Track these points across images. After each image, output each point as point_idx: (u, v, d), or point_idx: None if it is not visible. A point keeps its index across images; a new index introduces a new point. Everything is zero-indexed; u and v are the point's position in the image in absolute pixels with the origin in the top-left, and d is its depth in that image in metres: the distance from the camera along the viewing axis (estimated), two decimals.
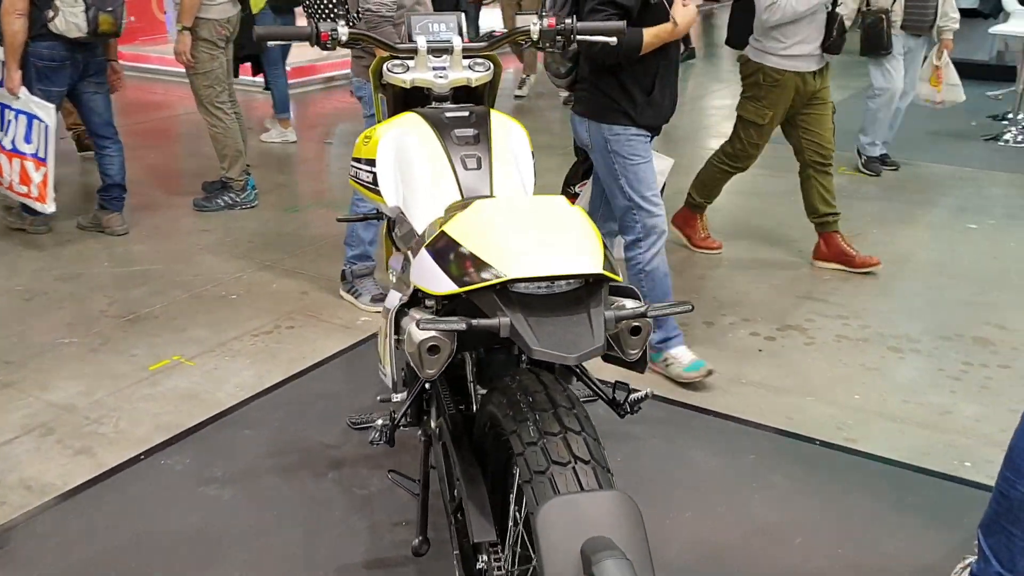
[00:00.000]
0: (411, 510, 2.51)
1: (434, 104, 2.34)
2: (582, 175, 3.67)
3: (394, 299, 1.75)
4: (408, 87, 2.37)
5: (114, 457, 2.81)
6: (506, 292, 1.41)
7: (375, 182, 2.21)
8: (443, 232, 1.56)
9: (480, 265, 1.41)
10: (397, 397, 2.21)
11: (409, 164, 2.09)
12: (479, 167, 2.03)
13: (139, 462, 2.78)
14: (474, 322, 1.37)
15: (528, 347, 1.33)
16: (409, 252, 1.92)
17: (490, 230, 1.47)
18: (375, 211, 2.55)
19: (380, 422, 2.17)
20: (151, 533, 2.46)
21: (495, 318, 1.37)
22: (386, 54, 2.39)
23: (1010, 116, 7.11)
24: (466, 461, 1.72)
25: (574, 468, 1.40)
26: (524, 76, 8.68)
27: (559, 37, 2.36)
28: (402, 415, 2.11)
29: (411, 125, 2.18)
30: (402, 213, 2.14)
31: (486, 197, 1.95)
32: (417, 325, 1.50)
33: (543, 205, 1.53)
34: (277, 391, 3.20)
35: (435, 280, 1.52)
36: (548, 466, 1.41)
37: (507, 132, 2.15)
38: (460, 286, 1.43)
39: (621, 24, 2.41)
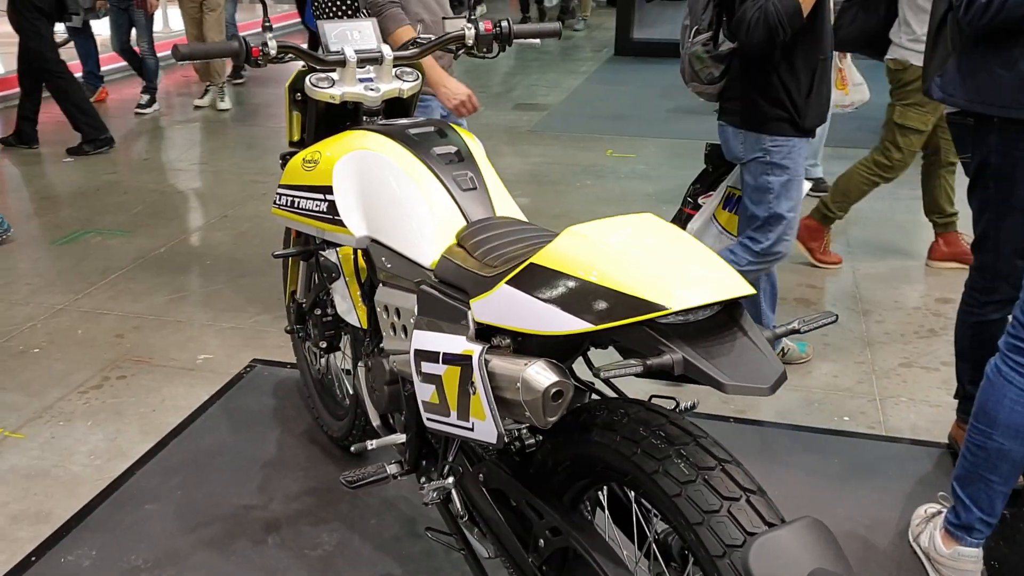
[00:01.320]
0: (383, 563, 2.32)
1: (381, 120, 2.15)
2: (708, 187, 3.42)
3: (449, 341, 1.57)
4: (336, 102, 2.15)
5: None
6: (654, 326, 1.30)
7: (331, 211, 1.99)
8: (538, 265, 1.43)
9: (621, 299, 1.30)
10: (373, 444, 2.03)
11: (387, 189, 1.90)
12: (475, 187, 1.89)
13: (31, 566, 2.34)
14: (650, 362, 1.25)
15: (719, 383, 1.24)
16: (419, 284, 1.74)
17: (614, 259, 1.36)
18: (318, 241, 2.30)
19: (391, 469, 1.98)
20: None
21: (657, 356, 1.27)
22: (304, 68, 2.17)
23: None
24: (558, 509, 1.59)
25: (748, 500, 1.34)
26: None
27: (495, 42, 2.24)
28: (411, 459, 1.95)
29: (374, 145, 1.98)
30: (376, 243, 1.94)
31: (498, 219, 1.82)
32: (537, 368, 1.38)
33: (645, 226, 1.43)
34: (159, 455, 2.82)
35: (546, 318, 1.38)
36: (720, 504, 1.33)
37: (478, 147, 2.02)
38: (599, 323, 1.31)
39: (556, 25, 2.33)
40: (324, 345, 2.59)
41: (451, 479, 1.73)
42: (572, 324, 1.35)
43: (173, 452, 2.82)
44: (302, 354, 2.94)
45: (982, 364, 2.57)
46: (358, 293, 2.29)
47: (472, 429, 1.53)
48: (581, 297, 1.35)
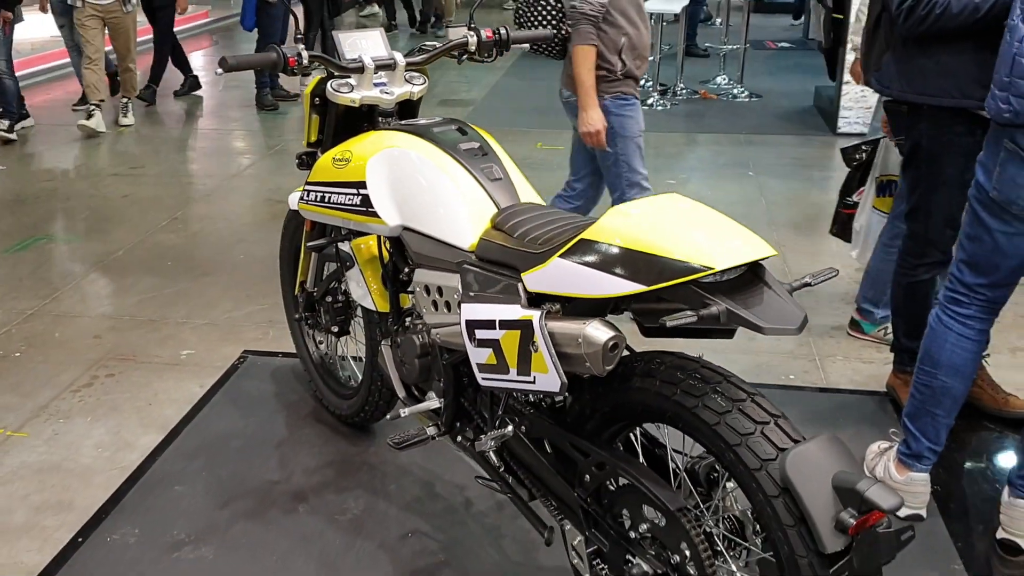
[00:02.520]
0: (411, 520, 2.56)
1: (398, 120, 2.38)
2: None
3: (505, 310, 1.82)
4: (357, 105, 2.38)
5: (32, 555, 2.49)
6: (697, 284, 1.59)
7: (365, 204, 2.22)
8: (589, 240, 1.70)
9: (670, 263, 1.58)
10: (406, 411, 2.27)
11: (421, 181, 2.14)
12: (501, 177, 2.14)
13: (79, 547, 2.50)
14: (701, 312, 1.54)
15: (758, 327, 1.54)
16: (461, 264, 1.99)
17: (659, 231, 1.63)
18: (344, 232, 2.51)
19: (430, 431, 2.22)
20: None
21: (705, 308, 1.55)
22: (322, 75, 2.39)
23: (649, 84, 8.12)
24: (602, 447, 1.86)
25: (776, 423, 1.64)
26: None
27: (495, 48, 2.50)
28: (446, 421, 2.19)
29: (405, 143, 2.22)
30: (410, 231, 2.18)
31: (526, 205, 2.08)
32: (597, 324, 1.66)
33: (678, 203, 1.72)
34: (174, 443, 2.99)
35: (601, 284, 1.66)
36: (755, 427, 1.63)
37: (496, 142, 2.27)
38: (652, 284, 1.59)
39: (549, 32, 2.60)
40: (336, 330, 2.80)
41: (510, 427, 1.99)
42: (626, 286, 1.63)
43: (188, 439, 2.99)
44: (302, 341, 3.14)
45: (915, 319, 2.96)
46: (378, 279, 2.52)
47: (534, 382, 1.79)
48: (633, 263, 1.63)
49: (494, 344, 1.86)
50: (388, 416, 2.34)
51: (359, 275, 2.59)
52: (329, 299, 2.79)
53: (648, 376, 1.78)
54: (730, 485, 1.87)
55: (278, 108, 7.86)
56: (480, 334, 1.90)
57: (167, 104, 8.20)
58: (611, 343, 1.68)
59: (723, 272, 1.59)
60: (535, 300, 1.83)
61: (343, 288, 2.80)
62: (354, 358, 3.08)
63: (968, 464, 2.88)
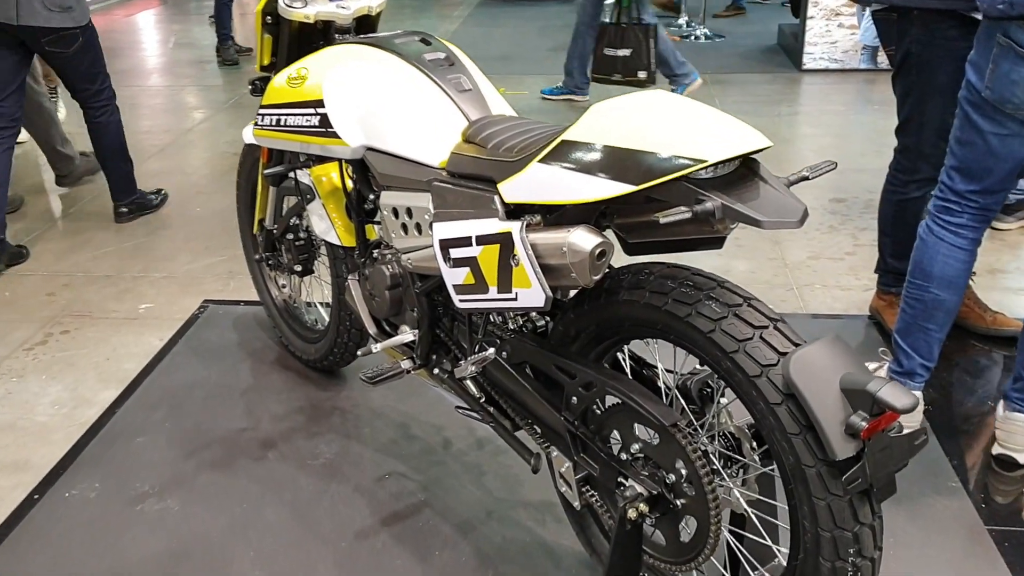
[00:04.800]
0: (387, 462, 2.44)
1: (355, 36, 2.23)
2: None
3: (481, 224, 1.70)
4: (311, 22, 2.23)
5: None
6: (689, 180, 1.47)
7: (324, 124, 2.08)
8: (570, 141, 1.57)
9: (660, 159, 1.46)
10: (377, 347, 2.14)
11: (386, 96, 2.00)
12: (471, 88, 2.01)
13: (35, 504, 2.36)
14: (696, 208, 1.42)
15: (757, 221, 1.42)
16: (431, 182, 1.86)
17: (646, 126, 1.51)
18: (301, 159, 2.36)
19: (404, 364, 2.10)
20: (117, 570, 2.14)
21: (700, 204, 1.43)
22: None
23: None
24: (589, 366, 1.75)
25: (776, 327, 1.53)
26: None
27: None
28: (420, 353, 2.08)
29: (365, 56, 2.07)
30: (374, 151, 2.04)
31: (498, 116, 1.95)
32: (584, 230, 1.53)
33: (663, 98, 1.59)
34: (135, 394, 2.84)
35: (586, 187, 1.53)
36: (753, 332, 1.52)
37: (461, 52, 2.13)
38: (642, 182, 1.47)
39: None
40: (299, 269, 2.66)
41: (491, 350, 1.87)
42: (614, 188, 1.50)
43: (148, 390, 2.85)
44: (264, 285, 2.99)
45: (904, 239, 2.87)
46: (342, 210, 2.38)
47: (516, 299, 1.67)
48: (619, 162, 1.50)
49: (471, 262, 1.74)
50: (359, 352, 2.21)
51: (321, 208, 2.45)
52: (290, 236, 2.64)
53: (636, 288, 1.66)
54: (724, 400, 1.77)
55: (238, 64, 7.62)
56: (455, 253, 1.77)
57: (117, 62, 7.93)
58: (598, 250, 1.57)
59: (716, 167, 1.47)
60: (514, 212, 1.71)
61: (305, 224, 2.66)
62: (320, 303, 2.95)
63: (958, 382, 2.81)
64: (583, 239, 1.57)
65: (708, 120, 1.53)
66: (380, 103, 2.01)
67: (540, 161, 1.61)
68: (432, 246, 1.87)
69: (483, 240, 1.70)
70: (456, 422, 2.58)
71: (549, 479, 1.97)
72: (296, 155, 2.37)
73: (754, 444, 1.71)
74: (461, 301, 1.81)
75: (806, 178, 1.58)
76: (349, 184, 2.29)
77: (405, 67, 2.02)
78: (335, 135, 2.07)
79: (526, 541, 2.16)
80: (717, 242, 1.72)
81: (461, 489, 2.34)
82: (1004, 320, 3.00)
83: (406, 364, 2.15)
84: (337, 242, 2.43)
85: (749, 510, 1.74)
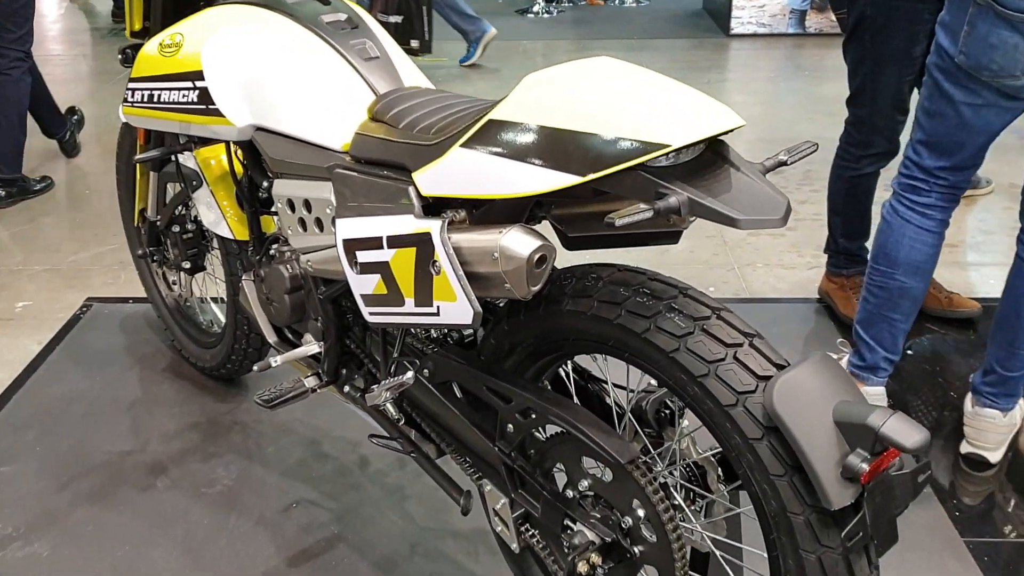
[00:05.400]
0: (295, 488, 2.14)
1: None
2: None
3: (393, 222, 1.40)
4: None
5: None
6: (647, 170, 1.19)
7: (204, 100, 1.75)
8: (499, 121, 1.28)
9: (611, 144, 1.18)
10: (278, 360, 1.85)
11: (277, 66, 1.68)
12: (377, 56, 1.70)
13: None
14: (659, 205, 1.14)
15: (731, 219, 1.15)
16: (333, 169, 1.55)
17: (593, 103, 1.23)
18: (182, 140, 2.02)
19: (309, 382, 1.81)
20: None
21: (661, 199, 1.16)
22: None
23: None
24: (527, 389, 1.47)
25: (752, 345, 1.27)
26: None
27: None
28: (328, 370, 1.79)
29: (251, 18, 1.74)
30: (265, 131, 1.72)
31: (412, 89, 1.64)
32: (526, 232, 1.26)
33: (610, 67, 1.31)
34: (2, 412, 2.47)
35: (520, 178, 1.24)
36: (725, 352, 1.26)
37: (365, 14, 1.82)
38: (589, 172, 1.18)
39: None
40: (188, 266, 2.33)
41: (409, 373, 1.57)
42: (555, 179, 1.21)
43: (19, 406, 2.48)
44: (152, 282, 2.64)
45: (856, 218, 2.66)
46: (232, 199, 2.06)
47: (437, 314, 1.38)
48: (560, 148, 1.22)
49: (382, 268, 1.44)
50: (256, 367, 1.90)
51: (210, 196, 2.12)
52: (176, 229, 2.30)
53: (582, 296, 1.38)
54: (685, 423, 1.52)
55: None
56: (363, 257, 1.47)
57: None
58: (537, 256, 1.28)
59: (679, 152, 1.20)
60: (433, 207, 1.41)
61: (192, 214, 2.32)
62: (215, 299, 2.61)
63: (917, 371, 2.61)
64: (519, 242, 1.28)
65: (668, 94, 1.25)
66: (270, 74, 1.69)
67: (463, 146, 1.32)
68: (335, 245, 1.57)
69: (396, 242, 1.40)
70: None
71: (478, 502, 1.70)
72: (176, 136, 2.03)
73: (721, 474, 1.46)
74: (372, 314, 1.51)
75: (784, 163, 1.32)
76: (239, 169, 1.96)
77: (300, 31, 1.70)
78: (218, 113, 1.75)
79: None
80: (673, 236, 1.46)
81: (380, 518, 2.05)
82: (961, 301, 2.82)
83: (311, 382, 1.85)
84: (229, 235, 2.10)
85: (715, 551, 1.49)
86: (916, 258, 2.13)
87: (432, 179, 1.37)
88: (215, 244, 2.31)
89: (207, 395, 2.49)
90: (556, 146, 1.22)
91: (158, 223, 2.34)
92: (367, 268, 1.47)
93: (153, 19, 2.02)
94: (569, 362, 1.57)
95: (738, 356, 1.25)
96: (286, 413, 2.40)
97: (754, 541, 1.41)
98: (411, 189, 1.41)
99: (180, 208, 2.28)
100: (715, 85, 5.52)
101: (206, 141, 2.01)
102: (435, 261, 1.34)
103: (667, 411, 1.51)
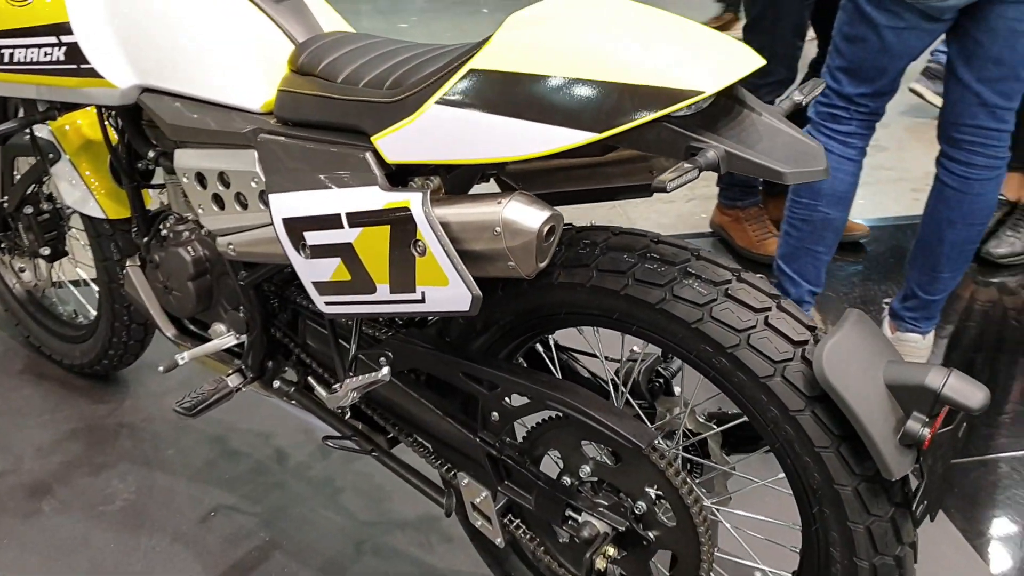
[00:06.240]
0: (209, 494, 1.90)
1: None
2: None
3: (353, 196, 1.19)
4: None
5: None
6: (670, 120, 1.04)
7: (73, 57, 1.46)
8: (484, 71, 1.09)
9: (633, 92, 1.02)
10: (185, 357, 1.62)
11: (167, 13, 1.41)
12: None
13: None
14: (700, 161, 0.99)
15: (779, 173, 1.02)
16: (257, 134, 1.32)
17: (601, 45, 1.06)
18: (40, 109, 1.70)
19: (232, 381, 1.59)
20: None
21: (698, 154, 1.01)
22: None
23: None
24: (518, 373, 1.31)
25: (780, 307, 1.16)
26: None
27: None
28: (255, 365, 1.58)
29: None
30: (154, 92, 1.46)
31: (339, 34, 1.42)
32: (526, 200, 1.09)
33: (598, 2, 1.14)
34: None
35: (520, 137, 1.07)
36: (755, 318, 1.14)
37: None
38: (608, 127, 1.02)
39: None
40: (47, 252, 2.01)
41: (386, 369, 1.37)
42: (567, 137, 1.05)
43: None
44: None
45: None
46: (100, 172, 1.77)
47: (422, 300, 1.19)
48: (569, 99, 1.05)
49: (343, 251, 1.23)
50: (161, 369, 1.64)
51: (72, 170, 1.83)
52: (29, 210, 1.97)
53: (577, 265, 1.23)
54: (678, 390, 1.40)
55: None
56: (315, 238, 1.25)
57: None
58: (547, 227, 1.11)
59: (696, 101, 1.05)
60: (395, 176, 1.21)
61: (46, 191, 2.00)
62: (74, 283, 2.28)
63: (823, 300, 2.61)
64: (525, 214, 1.11)
65: (679, 32, 1.10)
66: (159, 23, 1.42)
67: (440, 103, 1.12)
68: (266, 226, 1.34)
69: (360, 219, 1.20)
70: (288, 424, 2.06)
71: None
72: (32, 103, 1.71)
73: (722, 443, 1.37)
74: (330, 304, 1.30)
75: (800, 104, 1.20)
76: (114, 138, 1.67)
77: None
78: (92, 73, 1.46)
79: (415, 575, 1.73)
80: (644, 190, 1.32)
81: (315, 517, 1.85)
82: (852, 224, 2.85)
83: (234, 380, 1.61)
84: (100, 214, 1.82)
85: (727, 524, 1.40)
86: (839, 188, 2.10)
87: (400, 143, 1.17)
88: (73, 224, 2.01)
89: (80, 397, 2.17)
90: (562, 98, 1.05)
91: (5, 205, 2.00)
92: (321, 251, 1.25)
93: None
94: (550, 337, 1.42)
95: (770, 321, 1.14)
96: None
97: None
98: (369, 156, 1.20)
99: (32, 186, 1.95)
100: None
101: (69, 107, 1.70)
102: (417, 240, 1.15)
103: (660, 380, 1.39)
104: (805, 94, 1.21)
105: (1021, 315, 2.62)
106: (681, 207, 3.24)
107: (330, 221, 1.23)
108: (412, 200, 1.14)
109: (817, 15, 2.54)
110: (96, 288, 2.15)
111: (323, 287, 1.29)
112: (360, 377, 1.36)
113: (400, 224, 1.16)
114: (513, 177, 1.37)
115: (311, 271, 1.28)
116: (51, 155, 1.83)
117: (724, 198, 2.84)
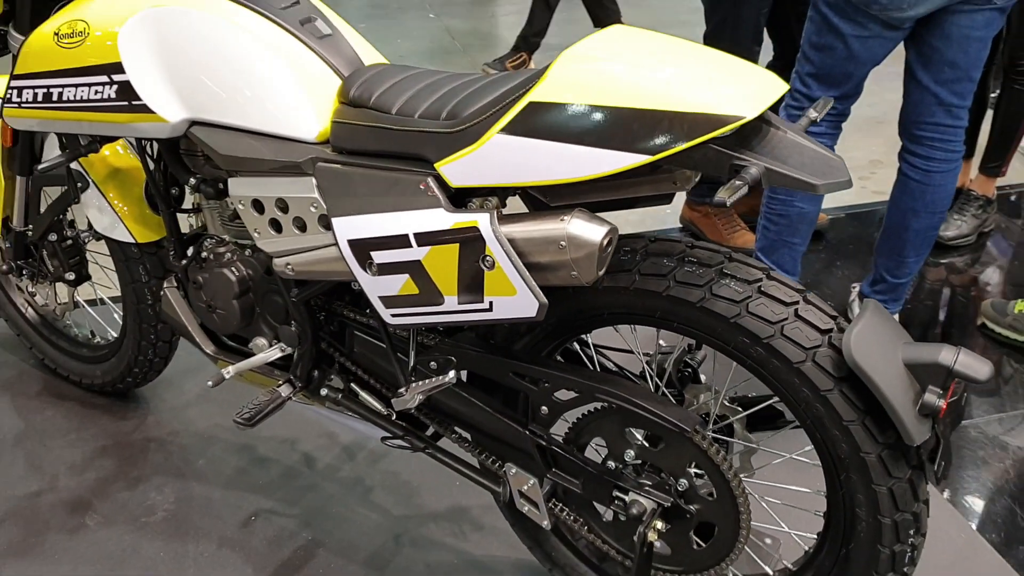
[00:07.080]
0: (246, 500, 2.00)
1: None
2: None
3: (419, 218, 1.31)
4: None
5: None
6: (714, 141, 1.19)
7: (125, 95, 1.56)
8: (543, 103, 1.23)
9: (681, 119, 1.17)
10: (231, 371, 1.72)
11: (217, 51, 1.52)
12: (330, 33, 1.57)
13: None
14: (747, 177, 1.14)
15: (812, 186, 1.17)
16: (315, 163, 1.44)
17: (647, 78, 1.20)
18: (83, 143, 1.78)
19: (284, 391, 1.70)
20: None
21: (740, 172, 1.16)
22: None
23: None
24: (569, 371, 1.46)
25: (806, 300, 1.32)
26: None
27: None
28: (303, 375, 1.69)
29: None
30: (205, 125, 1.56)
31: (384, 66, 1.54)
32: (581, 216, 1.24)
33: (640, 38, 1.28)
34: None
35: (579, 162, 1.21)
36: (787, 311, 1.30)
37: None
38: (662, 150, 1.17)
39: None
40: (72, 277, 2.08)
41: (452, 373, 1.49)
42: (622, 160, 1.19)
43: None
44: (5, 298, 2.33)
45: None
46: (127, 199, 1.88)
47: (490, 309, 1.32)
48: (624, 127, 1.19)
49: (412, 268, 1.36)
50: (210, 383, 1.74)
51: (100, 198, 1.92)
52: (54, 237, 2.04)
53: (620, 271, 1.37)
54: (703, 378, 1.56)
55: None
56: (382, 257, 1.38)
57: None
58: (606, 240, 1.26)
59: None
60: (455, 198, 1.34)
61: (68, 219, 2.08)
62: (90, 302, 2.35)
63: None
64: (587, 228, 1.25)
65: (712, 63, 1.25)
66: (207, 60, 1.52)
67: (504, 131, 1.25)
68: (329, 246, 1.46)
69: (429, 239, 1.32)
70: (310, 429, 2.17)
71: (446, 478, 1.66)
72: (74, 138, 1.78)
73: (745, 422, 1.53)
74: (396, 316, 1.42)
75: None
76: (151, 165, 1.77)
77: (235, 9, 1.53)
78: (144, 108, 1.55)
79: (454, 563, 1.85)
80: (666, 197, 1.46)
81: (351, 515, 1.96)
82: None
83: (285, 390, 1.72)
84: (129, 239, 1.91)
85: (756, 496, 1.56)
86: None
87: (465, 169, 1.30)
88: (91, 249, 2.10)
89: (102, 415, 2.25)
90: (618, 125, 1.19)
91: (30, 233, 2.06)
92: (389, 269, 1.38)
93: (21, 2, 1.75)
94: (587, 336, 1.56)
95: (800, 313, 1.30)
96: (200, 418, 2.23)
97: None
98: (431, 180, 1.33)
99: (61, 214, 2.03)
100: (501, 19, 5.53)
101: (107, 139, 1.79)
102: (486, 256, 1.28)
103: (689, 369, 1.54)
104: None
105: (969, 292, 2.84)
106: None
107: (398, 241, 1.36)
108: (480, 220, 1.28)
109: (772, 21, 2.74)
110: (115, 308, 2.23)
111: (390, 300, 1.41)
112: (427, 381, 1.48)
113: (469, 242, 1.29)
114: (540, 191, 1.50)
115: (378, 287, 1.40)
116: (80, 184, 1.91)
117: (693, 195, 3.01)
